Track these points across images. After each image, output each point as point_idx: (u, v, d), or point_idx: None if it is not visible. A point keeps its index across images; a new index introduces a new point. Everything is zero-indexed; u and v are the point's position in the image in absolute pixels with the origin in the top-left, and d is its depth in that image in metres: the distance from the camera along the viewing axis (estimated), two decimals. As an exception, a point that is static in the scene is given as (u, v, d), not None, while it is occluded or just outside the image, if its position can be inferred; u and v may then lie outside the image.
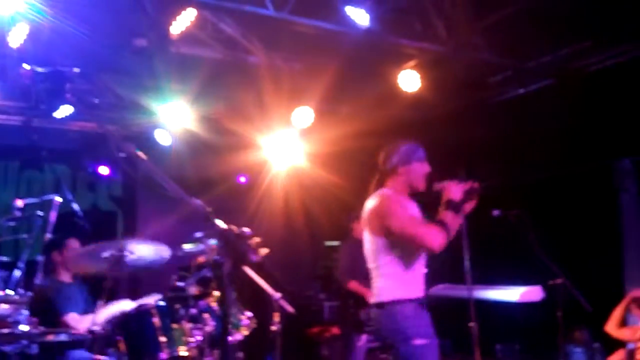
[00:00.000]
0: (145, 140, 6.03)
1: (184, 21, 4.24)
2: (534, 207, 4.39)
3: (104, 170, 6.63)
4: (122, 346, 3.76)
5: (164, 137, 6.13)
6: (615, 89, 5.47)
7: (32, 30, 3.86)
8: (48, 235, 4.73)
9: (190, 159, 6.57)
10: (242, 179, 7.61)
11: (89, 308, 4.64)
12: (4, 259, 4.54)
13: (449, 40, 5.09)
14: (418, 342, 3.20)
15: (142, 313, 3.86)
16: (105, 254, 3.89)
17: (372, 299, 3.46)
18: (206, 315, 4.05)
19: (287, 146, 6.50)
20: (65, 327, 4.33)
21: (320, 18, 4.59)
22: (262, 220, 7.21)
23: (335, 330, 6.66)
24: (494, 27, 5.20)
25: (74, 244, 4.68)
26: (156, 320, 3.82)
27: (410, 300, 3.28)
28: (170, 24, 4.24)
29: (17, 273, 4.19)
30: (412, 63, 5.42)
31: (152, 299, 4.02)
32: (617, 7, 4.71)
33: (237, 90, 5.82)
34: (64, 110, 5.06)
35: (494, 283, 5.73)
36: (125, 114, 5.62)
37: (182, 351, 3.83)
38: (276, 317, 4.68)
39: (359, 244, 5.55)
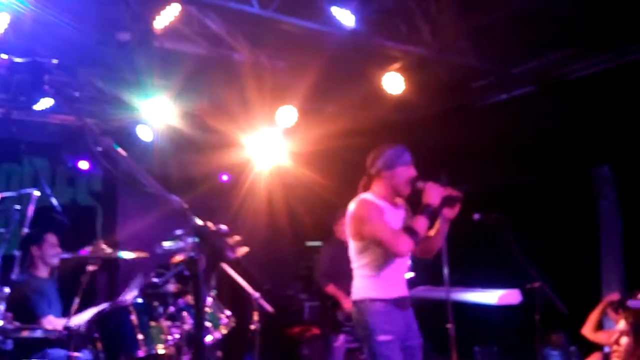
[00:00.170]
0: (126, 136, 5.97)
1: (167, 16, 4.20)
2: (513, 211, 4.42)
3: (83, 164, 6.55)
4: (99, 344, 3.72)
5: (145, 133, 6.07)
6: (596, 96, 5.54)
7: (14, 21, 3.80)
8: (25, 230, 4.67)
9: (173, 156, 6.53)
10: (225, 178, 7.57)
11: (61, 308, 4.58)
12: (-20, 253, 4.46)
13: (433, 44, 5.11)
14: (381, 338, 3.34)
15: (119, 310, 3.82)
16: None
17: (351, 297, 3.59)
18: (185, 314, 4.03)
19: (270, 145, 6.48)
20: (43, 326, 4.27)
21: (305, 17, 4.58)
22: (245, 220, 7.19)
23: (315, 330, 6.67)
24: (478, 32, 5.24)
25: (52, 238, 4.62)
26: (134, 318, 3.78)
27: (381, 300, 3.41)
28: (154, 19, 4.20)
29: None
30: (396, 65, 5.43)
31: (130, 296, 3.98)
32: (599, 16, 4.77)
33: (221, 87, 5.78)
34: (44, 103, 5.00)
35: (473, 286, 5.78)
36: (107, 108, 5.56)
37: (160, 349, 3.80)
38: (255, 316, 4.67)
39: (340, 244, 5.60)
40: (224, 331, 4.25)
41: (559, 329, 5.89)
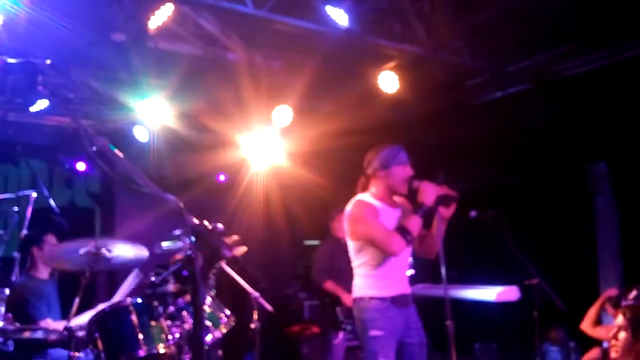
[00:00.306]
0: (122, 137, 5.97)
1: (161, 16, 4.21)
2: (510, 209, 4.43)
3: (81, 166, 6.54)
4: (100, 344, 3.73)
5: (141, 134, 6.06)
6: (591, 93, 5.56)
7: (7, 22, 3.80)
8: (24, 232, 4.67)
9: (169, 157, 6.52)
10: (222, 178, 7.56)
11: (60, 310, 4.58)
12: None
13: (428, 43, 5.11)
14: (372, 333, 3.40)
15: (119, 310, 3.82)
16: (83, 251, 3.84)
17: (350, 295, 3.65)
18: (185, 313, 4.03)
19: (266, 145, 6.48)
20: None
21: (299, 17, 4.59)
22: (242, 220, 7.18)
23: (315, 329, 6.68)
24: (473, 30, 5.25)
25: (51, 239, 4.62)
26: (134, 318, 3.79)
27: (378, 298, 3.46)
28: (148, 19, 4.20)
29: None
30: (391, 64, 5.44)
31: (126, 290, 3.98)
32: (594, 13, 4.78)
33: (216, 87, 5.79)
34: (40, 105, 5.00)
35: (471, 283, 5.79)
36: (102, 109, 5.55)
37: (161, 349, 3.80)
38: (255, 315, 4.67)
39: (337, 242, 5.62)
40: (224, 330, 4.24)
41: (557, 325, 5.92)
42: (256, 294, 4.67)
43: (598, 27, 5.03)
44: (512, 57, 5.69)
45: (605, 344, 4.66)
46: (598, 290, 5.88)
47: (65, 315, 4.23)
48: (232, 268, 4.46)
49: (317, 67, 5.30)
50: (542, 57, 5.61)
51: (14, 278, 4.47)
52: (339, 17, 4.54)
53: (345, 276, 4.07)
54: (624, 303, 4.31)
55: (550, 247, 6.01)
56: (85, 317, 4.07)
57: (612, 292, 4.77)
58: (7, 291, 3.83)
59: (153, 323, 3.86)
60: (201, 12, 4.87)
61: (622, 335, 3.99)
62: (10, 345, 3.60)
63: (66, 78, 4.63)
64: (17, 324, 3.77)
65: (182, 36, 5.04)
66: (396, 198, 3.66)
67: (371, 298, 3.46)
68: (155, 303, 3.94)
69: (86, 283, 3.77)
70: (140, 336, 3.75)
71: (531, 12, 4.79)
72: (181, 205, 1.79)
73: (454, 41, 5.23)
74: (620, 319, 4.05)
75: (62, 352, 4.08)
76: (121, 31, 4.30)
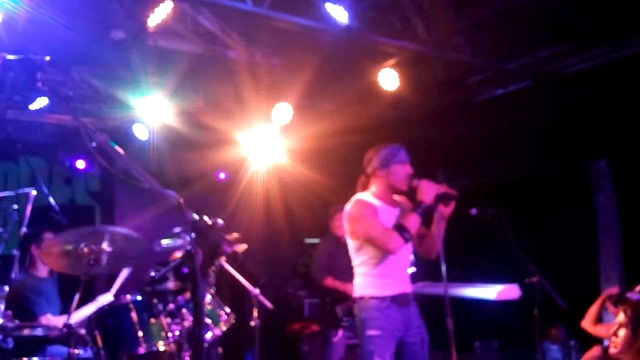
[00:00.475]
0: (122, 135, 5.96)
1: (161, 14, 4.19)
2: (511, 206, 4.43)
3: (80, 164, 6.53)
4: (100, 341, 3.73)
5: (141, 132, 6.05)
6: (592, 90, 5.55)
7: (7, 20, 3.79)
8: (24, 230, 4.67)
9: (169, 155, 6.51)
10: (222, 175, 7.55)
11: (61, 306, 4.58)
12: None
13: (428, 40, 5.10)
14: (370, 332, 3.41)
15: (119, 308, 3.83)
16: (83, 245, 3.80)
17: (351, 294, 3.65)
18: (184, 311, 4.04)
19: (266, 143, 6.47)
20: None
21: (299, 14, 4.57)
22: (242, 218, 7.18)
23: (314, 327, 6.67)
24: (473, 27, 5.23)
25: (50, 236, 4.60)
26: (134, 315, 3.79)
27: (377, 297, 3.46)
28: (148, 17, 4.19)
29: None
30: (391, 61, 5.43)
31: (117, 285, 3.98)
32: (594, 10, 4.77)
33: (216, 85, 5.78)
34: (39, 102, 4.99)
35: (472, 281, 5.79)
36: (102, 107, 5.54)
37: (160, 346, 3.81)
38: (255, 313, 4.67)
39: (337, 241, 5.61)
40: (224, 328, 4.25)
41: (558, 323, 5.91)
42: (256, 291, 4.67)
43: (598, 24, 5.01)
44: (512, 54, 5.68)
45: (606, 342, 4.65)
46: (599, 288, 5.87)
47: (65, 312, 4.22)
48: (231, 264, 4.46)
49: (317, 64, 5.30)
50: (542, 54, 5.60)
51: (13, 276, 4.47)
52: (339, 14, 4.52)
53: (344, 274, 4.07)
54: (628, 295, 4.31)
55: (551, 245, 6.00)
56: (86, 311, 4.07)
57: (613, 290, 4.76)
58: (6, 289, 3.83)
59: (153, 320, 3.87)
60: (200, 9, 4.86)
61: (622, 332, 3.98)
62: (10, 343, 3.60)
63: (66, 76, 4.63)
64: (17, 321, 3.77)
65: (182, 34, 5.03)
66: (396, 197, 3.66)
67: (371, 297, 3.46)
68: (155, 300, 3.96)
69: (86, 280, 3.76)
70: (140, 333, 3.77)
71: (531, 9, 4.78)
72: (181, 201, 1.78)
73: (454, 38, 5.21)
74: (621, 316, 4.04)
75: (62, 349, 4.08)
76: (121, 29, 4.29)
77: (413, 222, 3.42)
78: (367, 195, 3.58)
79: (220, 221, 1.80)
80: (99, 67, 5.13)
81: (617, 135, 5.66)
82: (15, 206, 4.87)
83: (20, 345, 3.77)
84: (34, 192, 4.76)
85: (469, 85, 6.24)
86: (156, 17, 4.19)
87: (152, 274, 3.46)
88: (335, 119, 6.14)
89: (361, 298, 3.50)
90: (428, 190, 3.44)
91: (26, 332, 3.81)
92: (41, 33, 3.97)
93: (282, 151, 6.65)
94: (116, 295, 4.48)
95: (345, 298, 5.37)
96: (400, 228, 3.41)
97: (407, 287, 3.57)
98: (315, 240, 7.26)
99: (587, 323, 4.70)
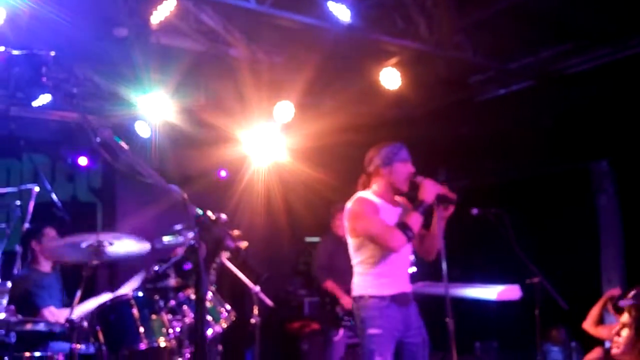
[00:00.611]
0: (124, 132, 5.96)
1: (164, 11, 4.20)
2: (512, 206, 4.42)
3: (83, 160, 6.55)
4: (101, 337, 3.74)
5: (143, 129, 6.06)
6: (595, 91, 5.55)
7: (11, 17, 3.80)
8: (26, 225, 4.68)
9: (170, 152, 6.52)
10: (223, 174, 7.55)
11: (64, 299, 4.59)
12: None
13: (430, 38, 5.10)
14: (370, 331, 3.40)
15: (120, 304, 3.83)
16: (84, 245, 3.84)
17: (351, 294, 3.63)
18: (185, 307, 4.04)
19: (268, 141, 6.47)
20: (43, 318, 4.27)
21: (302, 12, 4.58)
22: (243, 216, 7.18)
23: (315, 325, 6.68)
24: (475, 26, 5.23)
25: (51, 232, 4.62)
26: (135, 311, 3.80)
27: (377, 297, 3.45)
28: (151, 14, 4.20)
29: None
30: (393, 60, 5.43)
31: (130, 288, 3.99)
32: (597, 10, 4.77)
33: (218, 82, 5.78)
34: (43, 99, 5.00)
35: (472, 281, 5.78)
36: (104, 104, 5.55)
37: (161, 342, 3.81)
38: (255, 311, 4.67)
39: (337, 239, 5.61)
40: (225, 325, 4.25)
41: (559, 324, 5.90)
42: (257, 288, 4.67)
43: (601, 24, 5.01)
44: (514, 54, 5.68)
45: (607, 344, 4.65)
46: (600, 289, 5.87)
47: (68, 306, 4.23)
48: (234, 260, 4.46)
49: (319, 63, 5.30)
50: (545, 54, 5.60)
51: (15, 271, 4.48)
52: (341, 12, 4.53)
53: (344, 274, 4.06)
54: (620, 303, 4.30)
55: (553, 245, 6.00)
56: (89, 305, 4.07)
57: (615, 291, 4.74)
58: (9, 284, 3.84)
59: (154, 317, 3.87)
60: (203, 7, 4.86)
61: (625, 332, 3.98)
62: (12, 337, 3.61)
63: (69, 73, 4.64)
64: (20, 316, 3.78)
65: (184, 31, 5.04)
66: (397, 198, 3.65)
67: (370, 296, 3.45)
68: (156, 297, 3.96)
69: (88, 275, 3.77)
70: (141, 329, 3.77)
71: (534, 8, 4.78)
72: (185, 196, 1.79)
73: (456, 37, 5.21)
74: (625, 317, 4.03)
75: (64, 345, 4.09)
76: (124, 26, 4.30)
77: (415, 220, 3.42)
78: (369, 194, 3.58)
79: (223, 216, 1.80)
80: (102, 65, 5.13)
81: (619, 136, 5.66)
82: (18, 202, 4.88)
83: (22, 340, 3.78)
84: (36, 189, 4.77)
85: (471, 85, 6.24)
86: (159, 15, 4.20)
87: (156, 268, 3.46)
88: (336, 118, 6.14)
89: (360, 297, 3.49)
90: (429, 190, 3.44)
91: (29, 326, 3.82)
92: (45, 30, 3.98)
93: (283, 149, 6.65)
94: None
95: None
96: (403, 226, 3.40)
97: (407, 287, 3.57)
98: (316, 239, 7.26)
99: (588, 324, 4.69)
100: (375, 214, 3.47)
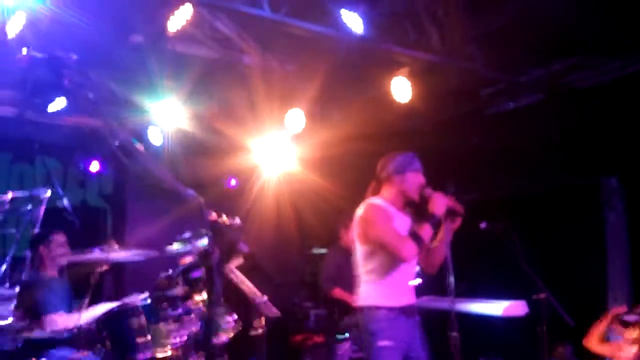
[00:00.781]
0: (137, 138, 5.99)
1: (180, 19, 4.24)
2: (520, 221, 4.41)
3: (94, 166, 6.59)
4: (107, 344, 3.74)
5: (156, 136, 6.09)
6: (605, 106, 5.54)
7: (31, 21, 3.85)
8: (36, 231, 4.70)
9: (182, 159, 6.55)
10: (233, 182, 7.57)
11: (72, 304, 4.59)
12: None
13: (442, 49, 5.12)
14: (381, 343, 3.34)
15: (127, 311, 3.84)
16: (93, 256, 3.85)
17: (356, 303, 3.59)
18: (192, 316, 4.04)
19: (278, 150, 6.48)
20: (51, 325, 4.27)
21: (315, 21, 4.61)
22: (252, 225, 7.16)
23: (318, 338, 6.64)
24: (486, 38, 5.25)
25: (60, 238, 4.62)
26: (141, 319, 3.80)
27: (387, 308, 3.42)
28: (168, 20, 4.24)
29: (3, 268, 4.15)
30: (404, 71, 5.44)
31: (137, 298, 4.00)
32: (608, 24, 4.77)
33: (230, 90, 5.81)
34: (58, 104, 5.04)
35: (478, 296, 5.76)
36: (118, 110, 5.58)
37: (167, 351, 3.81)
38: (262, 321, 4.66)
39: (345, 251, 5.59)
40: (231, 334, 4.25)
41: (565, 341, 5.85)
42: (264, 298, 4.65)
43: (612, 38, 5.01)
44: (525, 67, 5.69)
45: (610, 362, 4.62)
46: (606, 306, 5.83)
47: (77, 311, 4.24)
48: (245, 263, 4.44)
49: (331, 72, 5.32)
50: (555, 67, 5.61)
51: (24, 277, 4.49)
52: (354, 22, 4.56)
53: (352, 286, 4.04)
54: (626, 318, 4.28)
55: (560, 261, 5.97)
56: (97, 310, 4.08)
57: (621, 309, 4.72)
58: (16, 289, 3.85)
59: (160, 325, 3.87)
60: (218, 15, 4.90)
61: (634, 349, 3.96)
62: (19, 342, 3.61)
63: (86, 77, 4.68)
64: (27, 321, 3.79)
65: (199, 39, 5.08)
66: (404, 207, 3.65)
67: (380, 307, 3.41)
68: (163, 305, 3.95)
69: (95, 282, 3.79)
70: (148, 338, 3.76)
71: (545, 21, 4.79)
72: (201, 200, 1.80)
73: (467, 48, 5.22)
74: (635, 333, 4.01)
75: (68, 351, 4.09)
76: (140, 33, 4.34)
77: (426, 231, 3.41)
78: (380, 200, 3.57)
79: (237, 221, 1.82)
80: (117, 71, 5.17)
81: (629, 153, 5.64)
82: (29, 207, 4.90)
83: (26, 346, 3.79)
84: (47, 193, 4.79)
85: (481, 97, 6.24)
86: (176, 22, 4.24)
87: (170, 271, 3.47)
88: (347, 127, 6.15)
89: (369, 308, 3.44)
90: (440, 203, 3.44)
91: (35, 332, 3.83)
92: (63, 34, 4.02)
93: (293, 159, 6.66)
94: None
95: (353, 309, 5.36)
96: (415, 236, 3.39)
97: (413, 299, 3.55)
98: (323, 251, 7.25)
99: (592, 342, 4.66)
100: (389, 222, 3.44)
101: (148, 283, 4.30)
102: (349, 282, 5.14)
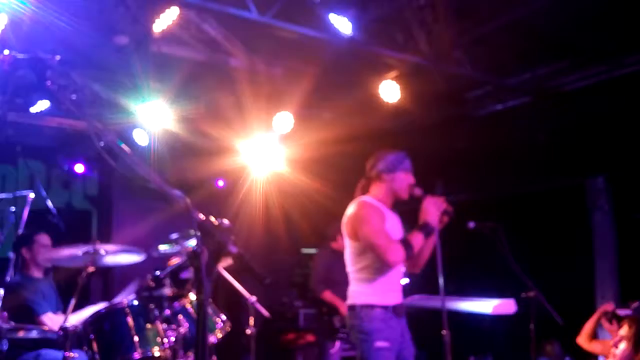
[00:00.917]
0: (123, 140, 5.95)
1: (166, 20, 4.21)
2: (508, 221, 4.44)
3: (79, 168, 6.53)
4: (95, 345, 3.71)
5: (141, 137, 6.05)
6: (591, 108, 5.60)
7: (13, 22, 3.80)
8: (20, 232, 4.65)
9: (169, 161, 6.51)
10: (221, 183, 7.54)
11: (59, 305, 4.56)
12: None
13: (430, 53, 5.14)
14: (378, 344, 3.31)
15: (115, 312, 3.81)
16: (79, 253, 3.82)
17: (347, 302, 3.55)
18: (180, 317, 4.02)
19: (266, 151, 6.47)
20: (41, 325, 4.23)
21: (303, 24, 4.61)
22: (241, 226, 7.15)
23: (309, 337, 6.64)
24: (474, 42, 5.28)
25: (43, 239, 4.57)
26: (130, 320, 3.77)
27: (380, 306, 3.39)
28: (153, 22, 4.21)
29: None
30: (393, 74, 5.46)
31: (125, 299, 3.97)
32: (594, 28, 4.82)
33: (217, 92, 5.79)
34: (41, 105, 4.99)
35: (468, 295, 5.78)
36: (103, 111, 5.54)
37: (156, 352, 3.78)
38: (251, 321, 4.64)
39: (334, 253, 5.60)
40: (220, 335, 4.23)
41: (553, 338, 5.91)
42: (253, 298, 4.64)
43: (598, 42, 5.07)
44: (512, 70, 5.73)
45: (600, 359, 4.66)
46: (594, 304, 5.89)
47: (64, 312, 4.20)
48: (235, 264, 4.42)
49: (319, 74, 5.32)
50: (542, 70, 5.65)
51: (8, 279, 4.44)
52: (343, 25, 4.56)
53: (342, 287, 4.03)
54: (619, 312, 4.32)
55: (548, 260, 6.02)
56: (85, 313, 4.04)
57: (609, 307, 4.76)
58: (1, 291, 3.81)
59: (149, 326, 3.85)
60: (205, 17, 4.88)
61: (623, 345, 3.99)
62: (5, 344, 3.57)
63: (69, 79, 4.63)
64: (12, 323, 3.74)
65: (185, 40, 5.05)
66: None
67: (375, 306, 3.37)
68: (152, 306, 3.93)
69: (83, 284, 3.75)
70: (136, 338, 3.74)
71: (532, 25, 4.83)
72: (188, 201, 1.78)
73: (455, 52, 5.26)
74: (625, 329, 4.05)
75: (56, 353, 4.05)
76: (125, 34, 4.30)
77: (418, 241, 3.39)
78: (371, 199, 3.55)
79: (226, 222, 1.80)
80: (101, 72, 5.13)
81: (615, 154, 5.70)
82: (13, 209, 4.85)
83: (14, 347, 3.75)
84: (31, 195, 4.75)
85: (468, 100, 6.28)
86: (162, 24, 4.21)
87: (157, 272, 3.44)
88: (335, 129, 6.16)
89: (362, 306, 3.40)
90: (432, 212, 3.42)
91: (21, 334, 3.78)
92: (46, 35, 3.98)
93: (281, 160, 6.65)
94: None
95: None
96: (406, 243, 3.36)
97: (401, 298, 3.54)
98: (312, 251, 7.25)
99: (582, 339, 4.70)
100: (381, 223, 3.42)
101: (136, 284, 4.27)
102: (338, 283, 5.15)
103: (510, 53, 5.25)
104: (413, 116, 6.33)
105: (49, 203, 5.37)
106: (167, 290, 4.10)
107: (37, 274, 4.57)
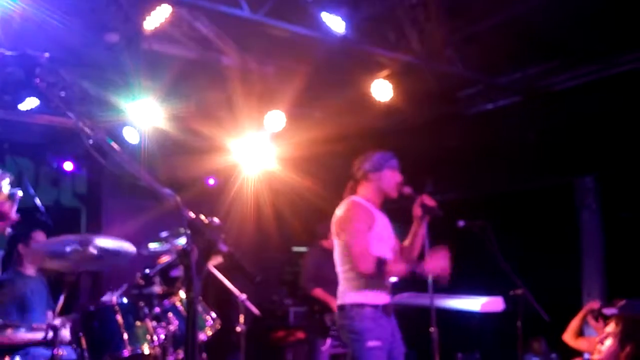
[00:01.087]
0: (113, 138, 5.91)
1: (158, 18, 4.20)
2: (497, 219, 4.47)
3: (68, 166, 6.49)
4: (84, 342, 3.70)
5: (132, 135, 6.03)
6: (581, 107, 5.64)
7: (2, 18, 3.77)
8: (8, 230, 4.62)
9: (159, 159, 6.49)
10: (211, 181, 7.53)
11: (50, 303, 4.54)
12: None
13: (421, 52, 5.16)
14: (370, 344, 3.32)
15: (105, 310, 3.80)
16: (69, 249, 3.80)
17: (337, 301, 3.56)
18: (170, 315, 4.02)
19: (257, 150, 6.47)
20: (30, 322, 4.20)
21: (295, 22, 4.61)
22: (232, 224, 7.14)
23: (300, 334, 6.65)
24: (466, 41, 5.30)
25: (39, 236, 4.57)
26: (119, 318, 3.77)
27: (370, 305, 3.40)
28: (144, 20, 4.19)
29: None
30: (384, 72, 5.47)
31: (115, 296, 3.97)
32: (585, 28, 4.86)
33: (208, 90, 5.77)
34: (29, 103, 4.96)
35: (456, 292, 5.82)
36: (93, 109, 5.51)
37: (145, 349, 3.79)
38: (241, 319, 4.65)
39: (324, 251, 5.60)
40: (209, 333, 4.23)
41: (539, 336, 5.96)
42: (243, 296, 4.64)
43: (588, 42, 5.11)
44: (503, 70, 5.76)
45: (586, 356, 4.70)
46: (581, 302, 5.94)
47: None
48: (225, 263, 4.43)
49: (311, 73, 5.32)
50: (533, 70, 5.69)
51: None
52: (335, 24, 4.56)
53: (332, 286, 4.05)
54: (605, 311, 4.37)
55: (536, 258, 6.07)
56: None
57: (595, 304, 4.81)
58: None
59: (138, 323, 3.85)
60: (197, 14, 4.87)
61: (609, 342, 4.03)
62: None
63: (58, 77, 4.61)
64: (1, 321, 3.73)
65: (176, 38, 5.03)
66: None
67: (365, 305, 3.38)
68: (141, 304, 3.94)
69: (71, 282, 3.74)
70: (125, 336, 3.74)
71: (523, 25, 4.86)
72: (178, 199, 1.79)
73: (447, 51, 5.27)
74: (611, 327, 4.09)
75: (45, 351, 4.04)
76: (116, 31, 4.29)
77: (399, 271, 3.44)
78: (360, 199, 3.56)
79: (216, 220, 1.81)
80: (91, 69, 5.10)
81: (604, 153, 5.75)
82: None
83: (3, 345, 3.73)
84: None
85: (459, 99, 6.31)
86: (153, 21, 4.19)
87: (147, 271, 3.44)
88: (326, 128, 6.16)
89: (353, 305, 3.40)
90: (435, 265, 3.41)
91: (9, 332, 3.77)
92: (35, 33, 3.96)
93: (272, 158, 6.65)
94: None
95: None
96: (382, 263, 3.36)
97: (389, 297, 3.55)
98: (303, 249, 7.26)
99: (568, 336, 4.75)
100: (367, 229, 3.41)
101: (126, 282, 4.27)
102: (328, 282, 5.16)
103: (501, 52, 5.28)
104: (404, 115, 6.35)
105: (37, 201, 5.34)
106: (157, 288, 4.11)
107: (29, 271, 4.56)
